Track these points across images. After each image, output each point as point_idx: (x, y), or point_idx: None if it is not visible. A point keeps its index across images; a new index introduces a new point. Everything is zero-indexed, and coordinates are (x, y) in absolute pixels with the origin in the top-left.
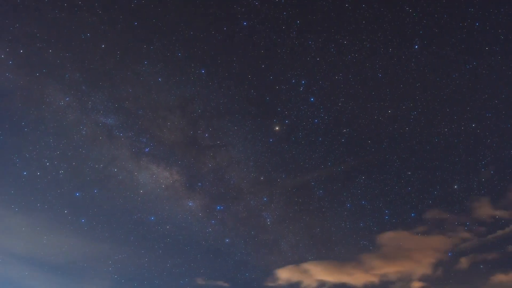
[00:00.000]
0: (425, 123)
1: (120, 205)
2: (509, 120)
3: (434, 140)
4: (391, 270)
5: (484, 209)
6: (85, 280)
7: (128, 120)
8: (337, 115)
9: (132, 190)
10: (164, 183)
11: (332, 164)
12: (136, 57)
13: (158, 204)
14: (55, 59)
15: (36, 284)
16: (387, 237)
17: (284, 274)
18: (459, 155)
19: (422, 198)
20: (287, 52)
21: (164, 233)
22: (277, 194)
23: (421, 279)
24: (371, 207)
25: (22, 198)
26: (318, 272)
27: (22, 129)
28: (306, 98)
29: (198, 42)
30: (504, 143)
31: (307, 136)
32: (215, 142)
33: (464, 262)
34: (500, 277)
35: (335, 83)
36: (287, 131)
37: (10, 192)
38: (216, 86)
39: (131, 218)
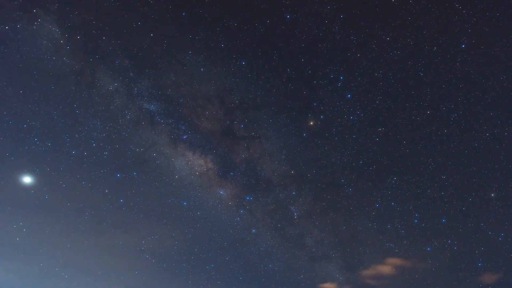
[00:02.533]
0: (466, 126)
1: (156, 189)
2: None
3: (474, 144)
4: None
5: None
6: (118, 256)
7: (169, 107)
8: (373, 113)
9: (168, 175)
10: (198, 170)
11: (364, 162)
12: (181, 47)
13: (191, 190)
14: (107, 46)
15: (77, 254)
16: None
17: None
18: (499, 162)
19: (455, 204)
20: (327, 47)
21: (195, 218)
22: (306, 189)
23: None
24: (400, 209)
25: (69, 176)
26: None
27: (73, 110)
28: (343, 94)
29: (241, 34)
30: None
31: (341, 133)
32: (250, 134)
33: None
34: None
35: (374, 80)
36: (321, 126)
37: (60, 169)
38: (255, 78)
39: (165, 201)
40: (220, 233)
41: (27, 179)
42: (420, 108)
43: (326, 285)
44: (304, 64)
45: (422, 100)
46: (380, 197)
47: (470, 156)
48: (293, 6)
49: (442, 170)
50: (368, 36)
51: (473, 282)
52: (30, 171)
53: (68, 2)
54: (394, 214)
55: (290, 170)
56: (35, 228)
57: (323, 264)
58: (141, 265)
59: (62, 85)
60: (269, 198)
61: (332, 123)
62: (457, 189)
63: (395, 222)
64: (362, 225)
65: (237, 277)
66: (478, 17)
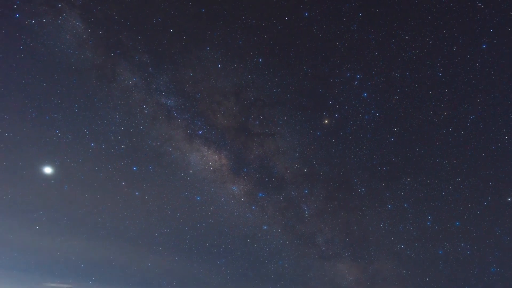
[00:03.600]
0: (484, 128)
1: (171, 183)
2: None
3: (491, 147)
4: None
5: None
6: (132, 248)
7: (186, 103)
8: (389, 113)
9: (182, 169)
10: (212, 165)
11: (377, 162)
12: (199, 43)
13: (205, 185)
14: (128, 41)
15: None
16: None
17: None
18: None
19: (470, 207)
20: (345, 45)
21: (208, 213)
22: (319, 187)
23: None
24: (413, 211)
25: (88, 168)
26: None
27: (94, 104)
28: (359, 93)
29: (258, 31)
30: None
31: (356, 132)
32: (264, 131)
33: None
34: None
35: (391, 79)
36: (336, 125)
37: (79, 160)
38: (271, 75)
39: (179, 195)
40: (231, 229)
41: (48, 170)
42: (437, 109)
43: None
44: (320, 62)
45: (440, 101)
46: (392, 197)
47: (487, 159)
48: (312, 4)
49: (458, 172)
50: (386, 35)
51: None
52: (51, 162)
53: None
54: (406, 216)
55: (303, 168)
56: (53, 217)
57: (333, 263)
58: (153, 257)
59: (83, 79)
60: (281, 195)
61: (347, 122)
62: (472, 192)
63: (407, 224)
64: (374, 225)
65: (247, 273)
66: (501, 16)
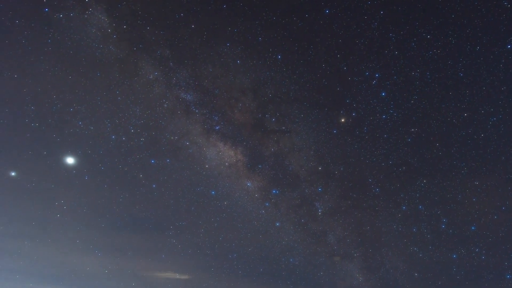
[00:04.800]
0: (504, 131)
1: (187, 176)
2: None
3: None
4: None
5: None
6: (147, 239)
7: (205, 98)
8: (407, 113)
9: (199, 163)
10: (228, 161)
11: (393, 163)
12: (220, 39)
13: (220, 180)
14: (151, 36)
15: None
16: None
17: None
18: None
19: (487, 212)
20: (365, 43)
21: (221, 208)
22: (332, 186)
23: None
24: (428, 213)
25: (108, 159)
26: None
27: (116, 97)
28: (377, 92)
29: (278, 28)
30: None
31: (372, 131)
32: (281, 128)
33: None
34: None
35: (410, 79)
36: (352, 124)
37: (100, 152)
38: (290, 72)
39: (194, 189)
40: (244, 224)
41: (70, 160)
42: (457, 110)
43: None
44: (339, 60)
45: (460, 102)
46: (407, 199)
47: (507, 163)
48: (333, 1)
49: (475, 176)
50: (407, 34)
51: None
52: (73, 153)
53: None
54: (420, 218)
55: (317, 166)
56: (74, 206)
57: (344, 262)
58: (167, 249)
59: (107, 72)
60: (295, 193)
61: (364, 121)
62: (489, 197)
63: (421, 226)
64: (387, 226)
65: (258, 268)
66: None
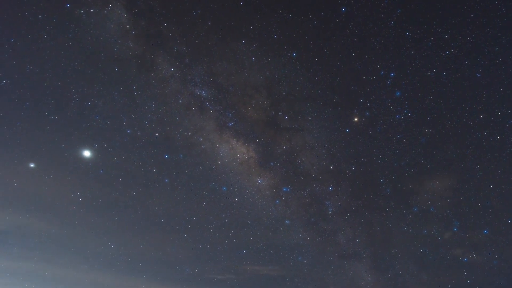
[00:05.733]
0: None
1: (199, 172)
2: None
3: None
4: None
5: None
6: (159, 233)
7: (219, 95)
8: (421, 113)
9: (211, 159)
10: (240, 158)
11: (406, 163)
12: (235, 36)
13: (232, 176)
14: (168, 32)
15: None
16: None
17: None
18: None
19: (500, 216)
20: (381, 42)
21: (232, 204)
22: (343, 185)
23: None
24: (439, 215)
25: (123, 153)
26: None
27: (132, 92)
28: (391, 92)
29: (294, 25)
30: None
31: (386, 131)
32: (293, 126)
33: None
34: None
35: (426, 79)
36: (365, 123)
37: (115, 146)
38: (304, 70)
39: (206, 185)
40: (254, 221)
41: (86, 153)
42: (473, 111)
43: None
44: (354, 59)
45: (476, 103)
46: (419, 200)
47: None
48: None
49: (490, 179)
50: (424, 33)
51: None
52: (90, 146)
53: None
54: (432, 220)
55: (329, 165)
56: (89, 198)
57: (353, 262)
58: (178, 243)
59: (124, 67)
60: (305, 191)
61: (377, 120)
62: (504, 200)
63: (432, 228)
64: (397, 227)
65: (267, 266)
66: None
